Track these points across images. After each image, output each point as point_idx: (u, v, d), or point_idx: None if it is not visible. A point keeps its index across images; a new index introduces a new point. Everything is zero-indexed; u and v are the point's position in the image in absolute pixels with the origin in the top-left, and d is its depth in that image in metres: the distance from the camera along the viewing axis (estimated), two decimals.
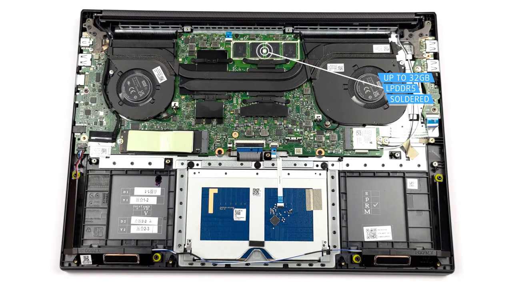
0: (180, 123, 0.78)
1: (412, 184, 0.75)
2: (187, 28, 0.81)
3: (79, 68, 0.80)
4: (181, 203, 0.74)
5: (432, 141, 0.77)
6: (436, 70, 0.79)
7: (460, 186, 0.77)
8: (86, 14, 0.81)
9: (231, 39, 0.81)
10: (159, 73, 0.79)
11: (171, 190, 0.75)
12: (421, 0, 0.85)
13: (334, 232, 0.73)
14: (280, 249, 0.72)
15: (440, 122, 0.77)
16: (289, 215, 0.74)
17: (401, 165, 0.76)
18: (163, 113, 0.78)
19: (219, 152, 0.76)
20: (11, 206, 0.77)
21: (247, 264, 0.72)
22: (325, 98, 0.78)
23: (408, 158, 0.76)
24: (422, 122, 0.78)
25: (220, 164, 0.76)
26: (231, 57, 0.81)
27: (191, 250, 0.72)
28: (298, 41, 0.81)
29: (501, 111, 0.81)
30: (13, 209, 0.76)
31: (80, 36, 0.81)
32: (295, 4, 0.85)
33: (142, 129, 0.78)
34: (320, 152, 0.76)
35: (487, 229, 0.76)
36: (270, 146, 0.77)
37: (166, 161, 0.76)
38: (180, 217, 0.74)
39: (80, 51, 0.81)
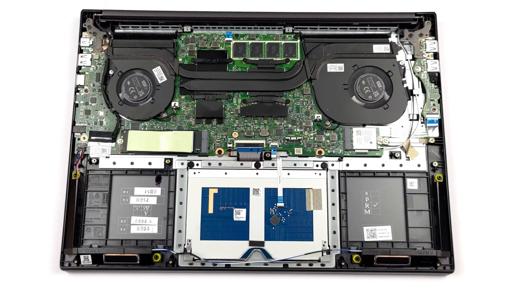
0: (180, 123, 0.78)
1: (412, 184, 0.75)
2: (187, 28, 0.81)
3: (79, 68, 0.80)
4: (181, 203, 0.74)
5: (432, 141, 0.77)
6: (436, 70, 0.79)
7: (460, 186, 0.77)
8: (86, 14, 0.81)
9: (231, 39, 0.81)
10: (159, 73, 0.79)
11: (171, 190, 0.75)
12: (421, 0, 0.85)
13: (334, 232, 0.73)
14: (280, 249, 0.72)
15: (440, 122, 0.77)
16: (289, 215, 0.74)
17: (401, 165, 0.76)
18: (163, 113, 0.78)
19: (219, 152, 0.76)
20: (11, 206, 0.77)
21: (247, 264, 0.72)
22: (325, 98, 0.78)
23: (408, 158, 0.76)
24: (422, 122, 0.78)
25: (220, 164, 0.76)
26: (231, 57, 0.81)
27: (191, 250, 0.72)
28: (298, 41, 0.81)
29: (501, 111, 0.81)
30: (13, 209, 0.76)
31: (80, 36, 0.81)
32: (295, 4, 0.85)
33: (142, 129, 0.78)
34: (320, 152, 0.76)
35: (487, 229, 0.76)
36: (270, 146, 0.77)
37: (166, 161, 0.76)
38: (180, 217, 0.74)
39: (80, 51, 0.81)
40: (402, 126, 0.78)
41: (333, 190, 0.75)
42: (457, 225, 0.75)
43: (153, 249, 0.72)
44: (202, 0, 0.85)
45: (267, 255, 0.72)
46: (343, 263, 0.72)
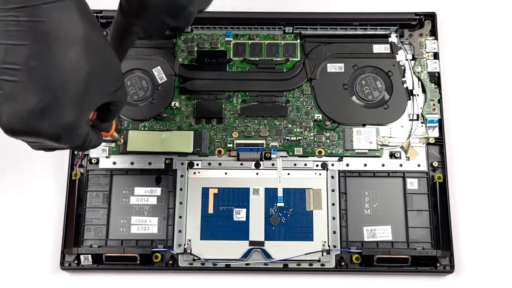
0: (180, 123, 0.78)
1: (412, 184, 0.75)
2: (187, 28, 0.81)
3: None
4: (181, 203, 0.74)
5: (432, 141, 0.77)
6: (436, 70, 0.79)
7: (460, 186, 0.77)
8: None
9: (231, 39, 0.81)
10: (159, 73, 0.79)
11: (171, 190, 0.75)
12: (421, 0, 0.85)
13: (334, 232, 0.73)
14: (280, 249, 0.72)
15: (440, 122, 0.77)
16: (289, 215, 0.74)
17: (401, 165, 0.76)
18: (163, 113, 0.78)
19: (219, 152, 0.76)
20: (11, 206, 0.77)
21: (247, 264, 0.72)
22: (325, 98, 0.78)
23: (408, 158, 0.76)
24: (422, 122, 0.78)
25: (220, 164, 0.76)
26: (231, 57, 0.81)
27: (191, 250, 0.72)
28: (298, 41, 0.81)
29: (501, 111, 0.81)
30: (13, 209, 0.76)
31: None
32: (295, 4, 0.85)
33: (142, 129, 0.78)
34: (320, 152, 0.76)
35: (487, 229, 0.76)
36: (270, 146, 0.77)
37: (166, 161, 0.76)
38: (180, 217, 0.74)
39: None
40: (402, 126, 0.78)
41: (333, 190, 0.75)
42: (457, 225, 0.75)
43: (153, 249, 0.72)
44: None
45: (267, 255, 0.72)
46: (343, 263, 0.72)
